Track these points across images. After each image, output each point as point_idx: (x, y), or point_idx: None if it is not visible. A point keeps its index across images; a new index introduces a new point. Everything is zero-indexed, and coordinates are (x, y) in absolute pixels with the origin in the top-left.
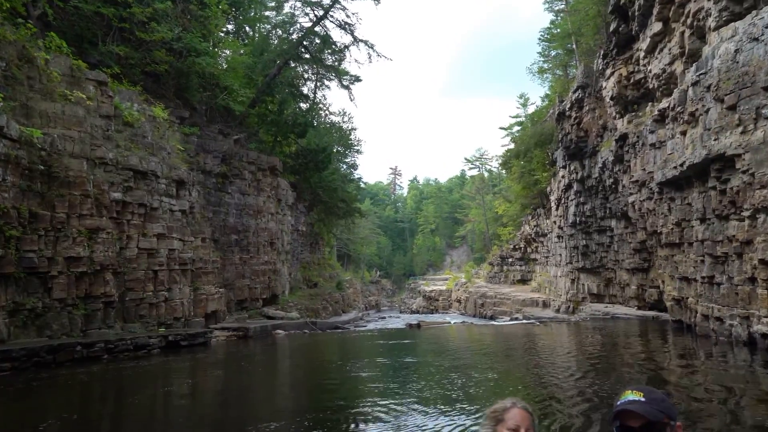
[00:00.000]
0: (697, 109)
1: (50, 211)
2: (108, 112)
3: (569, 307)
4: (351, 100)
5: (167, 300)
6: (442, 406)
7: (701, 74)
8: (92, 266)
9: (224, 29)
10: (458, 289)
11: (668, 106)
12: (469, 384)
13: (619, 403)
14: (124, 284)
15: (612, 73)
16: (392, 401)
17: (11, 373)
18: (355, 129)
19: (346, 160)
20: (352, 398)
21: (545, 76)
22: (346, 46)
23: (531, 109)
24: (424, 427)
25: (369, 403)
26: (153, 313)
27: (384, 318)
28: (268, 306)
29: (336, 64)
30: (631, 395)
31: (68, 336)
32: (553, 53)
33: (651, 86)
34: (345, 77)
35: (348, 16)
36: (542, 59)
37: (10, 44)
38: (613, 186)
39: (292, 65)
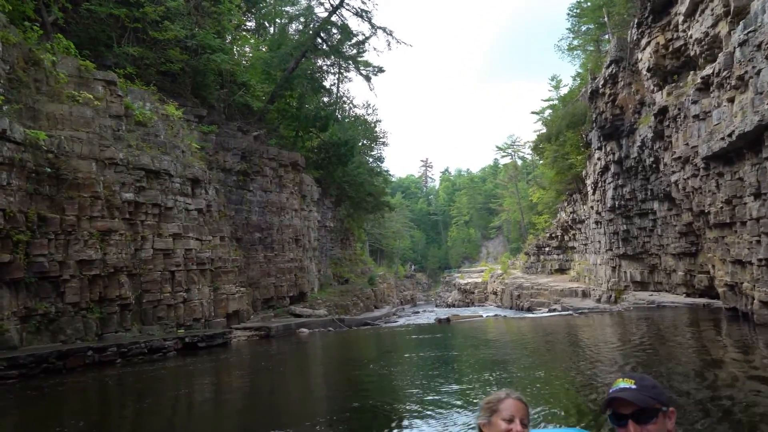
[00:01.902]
0: (746, 72)
1: (60, 213)
2: (118, 112)
3: (611, 296)
4: (371, 90)
5: (186, 301)
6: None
7: (750, 32)
8: (105, 269)
9: (244, 26)
10: (494, 281)
11: (712, 72)
12: (512, 383)
13: (611, 391)
14: (141, 286)
15: (648, 43)
16: (430, 399)
17: (18, 381)
18: (379, 121)
19: (372, 153)
20: (381, 397)
21: (575, 53)
22: (366, 37)
23: (564, 92)
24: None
25: (400, 403)
26: (171, 315)
27: (417, 313)
28: (296, 304)
29: (356, 54)
30: (623, 383)
31: (83, 341)
32: (583, 28)
33: (692, 53)
34: (367, 68)
35: (364, 3)
36: (572, 35)
37: (15, 47)
38: (654, 165)
39: (311, 58)
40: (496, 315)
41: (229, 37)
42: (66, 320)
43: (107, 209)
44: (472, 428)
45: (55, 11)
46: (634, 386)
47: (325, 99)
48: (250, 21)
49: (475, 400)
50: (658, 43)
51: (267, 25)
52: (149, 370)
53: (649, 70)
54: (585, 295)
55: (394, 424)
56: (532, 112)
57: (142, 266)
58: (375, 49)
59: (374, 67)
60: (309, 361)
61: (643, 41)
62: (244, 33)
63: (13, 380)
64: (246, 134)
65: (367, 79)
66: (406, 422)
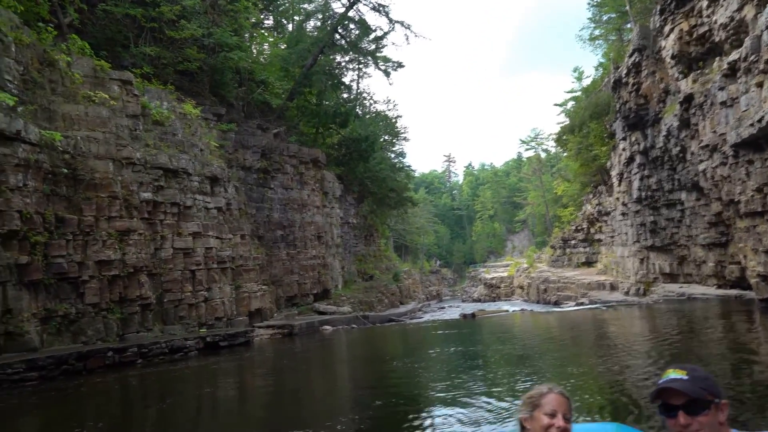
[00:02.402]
0: None
1: (78, 214)
2: (134, 111)
3: (639, 288)
4: (390, 85)
5: (207, 300)
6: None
7: None
8: (125, 269)
9: (262, 24)
10: (520, 275)
11: (739, 57)
12: (540, 378)
13: (661, 381)
14: (161, 286)
15: (671, 30)
16: (456, 397)
17: (38, 383)
18: (400, 116)
19: (394, 149)
20: (406, 395)
21: (597, 42)
22: (385, 32)
23: (586, 83)
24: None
25: (425, 401)
26: (193, 314)
27: (443, 308)
28: (320, 301)
29: (374, 49)
30: (674, 373)
31: (104, 341)
32: (605, 17)
33: (717, 39)
34: (386, 63)
35: None
36: (593, 25)
37: (29, 48)
38: (680, 155)
39: (329, 54)
40: (522, 309)
41: (246, 35)
42: (86, 321)
43: (125, 209)
44: (504, 423)
45: (70, 12)
46: (685, 377)
47: (345, 95)
48: (267, 19)
49: (502, 397)
50: (681, 30)
51: (285, 22)
52: (170, 370)
53: (673, 57)
54: (613, 288)
55: (419, 423)
56: (555, 104)
57: (162, 266)
58: (393, 44)
59: (393, 62)
60: (333, 359)
61: (667, 28)
62: (262, 31)
63: (33, 382)
64: (266, 132)
65: (387, 74)
66: (431, 421)
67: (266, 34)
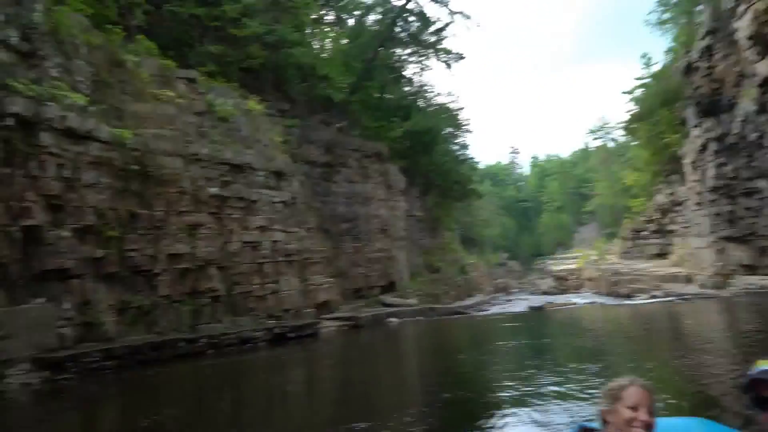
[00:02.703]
0: None
1: (148, 209)
2: (200, 108)
3: (716, 281)
4: (452, 77)
5: (275, 292)
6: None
7: None
8: (195, 262)
9: (323, 20)
10: (589, 268)
11: None
12: (613, 373)
13: (752, 372)
14: (230, 278)
15: (746, 11)
16: (525, 391)
17: (115, 371)
18: (462, 108)
19: (457, 141)
20: (473, 388)
21: (666, 26)
22: (445, 24)
23: (655, 69)
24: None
25: (493, 395)
26: (262, 306)
27: (511, 301)
28: (386, 294)
29: (435, 41)
30: (767, 365)
31: (177, 332)
32: (673, 0)
33: None
34: (447, 55)
35: None
36: (662, 8)
37: (98, 49)
38: (759, 141)
39: (390, 48)
40: (592, 302)
41: (307, 31)
42: (160, 312)
43: (194, 204)
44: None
45: (137, 14)
46: None
47: (407, 88)
48: (328, 14)
49: (574, 392)
50: (757, 10)
51: (345, 17)
52: (240, 360)
53: (748, 39)
54: (688, 280)
55: (487, 417)
56: (624, 92)
57: (230, 259)
58: (454, 35)
59: (454, 54)
60: (399, 351)
61: (741, 9)
62: (323, 26)
63: (110, 371)
64: (329, 126)
65: (448, 66)
66: (500, 414)
67: (327, 29)
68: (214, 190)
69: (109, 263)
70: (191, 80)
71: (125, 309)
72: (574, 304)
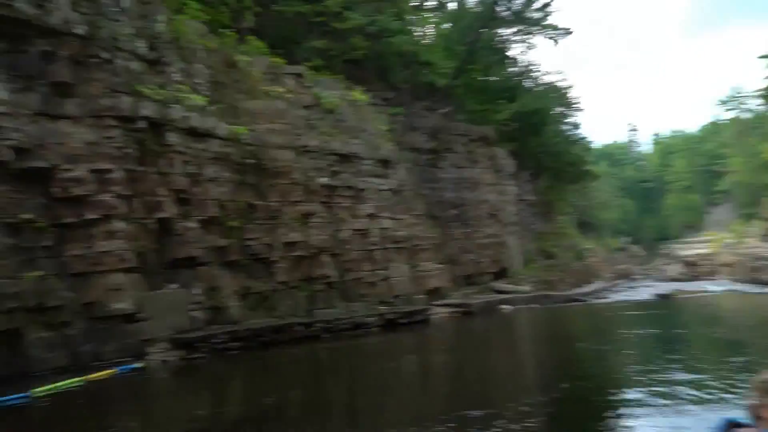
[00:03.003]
0: None
1: (264, 200)
2: (308, 102)
3: None
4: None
5: (385, 278)
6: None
7: None
8: (309, 249)
9: (423, 5)
10: (724, 252)
11: None
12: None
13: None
14: (342, 265)
15: None
16: (653, 386)
17: (239, 352)
18: (571, 86)
19: (568, 121)
20: (593, 379)
21: None
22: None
23: None
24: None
25: (616, 388)
26: (373, 292)
27: (633, 288)
28: (498, 280)
29: (540, 18)
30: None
31: (294, 316)
32: None
33: None
34: (554, 31)
35: None
36: None
37: (214, 53)
38: None
39: (492, 28)
40: (729, 290)
41: (408, 18)
42: (278, 298)
43: (306, 194)
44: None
45: (247, 17)
46: None
47: (512, 69)
48: (429, 0)
49: (709, 386)
50: None
51: (446, 1)
52: (354, 344)
53: None
54: None
55: (610, 413)
56: (761, 57)
57: (341, 246)
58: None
59: (561, 29)
60: (514, 338)
61: None
62: (424, 12)
63: (235, 351)
64: (433, 112)
65: (555, 42)
66: (625, 411)
67: (428, 15)
68: (324, 179)
69: (231, 251)
70: (299, 75)
71: (247, 294)
72: (708, 291)
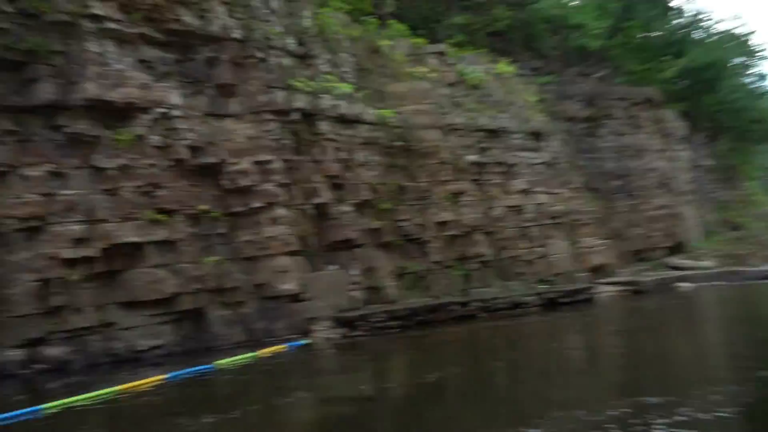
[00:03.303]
0: None
1: (414, 181)
2: (452, 79)
3: None
4: None
5: (543, 256)
6: None
7: None
8: (461, 228)
9: None
10: None
11: None
12: None
13: None
14: (497, 243)
15: None
16: None
17: (397, 331)
18: (753, 32)
19: (751, 72)
20: None
21: None
22: None
23: None
24: None
25: None
26: (530, 270)
27: None
28: (673, 255)
29: None
30: None
31: (450, 295)
32: None
33: None
34: None
35: None
36: None
37: (358, 41)
38: None
39: None
40: None
41: None
42: (433, 277)
43: (455, 172)
44: None
45: (387, 2)
46: None
47: (677, 21)
48: None
49: None
50: None
51: None
52: (512, 324)
53: None
54: None
55: None
56: None
57: (495, 224)
58: None
59: None
60: (694, 320)
61: None
62: None
63: (393, 330)
64: (587, 78)
65: None
66: None
67: None
68: (472, 157)
69: (385, 233)
70: (441, 54)
71: (402, 274)
72: None
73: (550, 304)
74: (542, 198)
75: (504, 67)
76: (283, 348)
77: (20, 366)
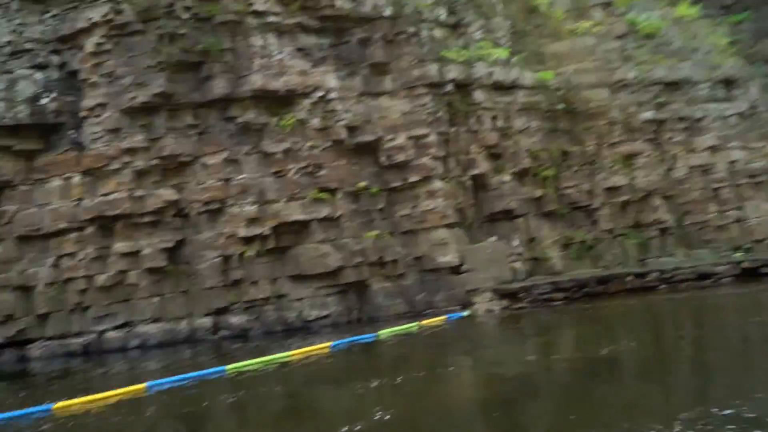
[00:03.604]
0: None
1: (579, 145)
2: (621, 31)
3: None
4: None
5: (739, 220)
6: None
7: None
8: (636, 193)
9: None
10: None
11: None
12: None
13: None
14: (679, 208)
15: None
16: None
17: (563, 303)
18: None
19: None
20: None
21: None
22: None
23: None
24: None
25: None
26: (723, 237)
27: None
28: None
29: None
30: None
31: (624, 266)
32: None
33: None
34: None
35: None
36: None
37: (513, 2)
38: None
39: None
40: None
41: None
42: (603, 247)
43: (627, 132)
44: None
45: None
46: None
47: None
48: None
49: None
50: None
51: None
52: (699, 296)
53: None
54: None
55: None
56: None
57: (676, 187)
58: None
59: None
60: None
61: None
62: None
63: (559, 302)
64: None
65: None
66: None
67: None
68: (647, 114)
69: (548, 201)
70: (607, 4)
71: (568, 244)
72: None
73: (748, 275)
74: (737, 154)
75: (685, 8)
76: (443, 320)
77: (209, 332)
